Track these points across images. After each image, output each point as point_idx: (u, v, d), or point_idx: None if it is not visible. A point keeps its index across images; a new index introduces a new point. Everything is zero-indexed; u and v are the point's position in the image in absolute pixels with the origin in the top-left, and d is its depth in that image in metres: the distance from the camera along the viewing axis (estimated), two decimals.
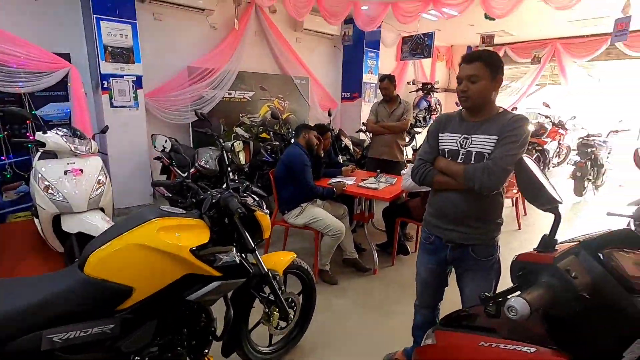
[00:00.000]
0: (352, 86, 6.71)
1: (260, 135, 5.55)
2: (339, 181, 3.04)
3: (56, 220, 2.62)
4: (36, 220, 2.79)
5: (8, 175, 3.85)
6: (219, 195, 1.48)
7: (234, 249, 1.50)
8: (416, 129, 6.28)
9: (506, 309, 0.64)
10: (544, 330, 0.77)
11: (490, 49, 6.66)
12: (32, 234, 3.15)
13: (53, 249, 2.76)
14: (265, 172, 4.05)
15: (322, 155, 3.23)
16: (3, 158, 3.81)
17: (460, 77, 1.45)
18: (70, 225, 2.56)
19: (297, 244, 3.51)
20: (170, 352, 1.37)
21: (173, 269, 1.30)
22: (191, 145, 4.67)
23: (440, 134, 1.55)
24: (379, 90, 4.24)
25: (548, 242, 0.81)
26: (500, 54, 7.57)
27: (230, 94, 5.15)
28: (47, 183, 2.54)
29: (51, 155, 2.75)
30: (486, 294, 0.73)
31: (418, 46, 6.51)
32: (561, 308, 0.69)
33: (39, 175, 2.58)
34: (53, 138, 2.60)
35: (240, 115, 5.40)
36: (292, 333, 2.06)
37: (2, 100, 3.58)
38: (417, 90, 7.77)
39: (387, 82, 3.60)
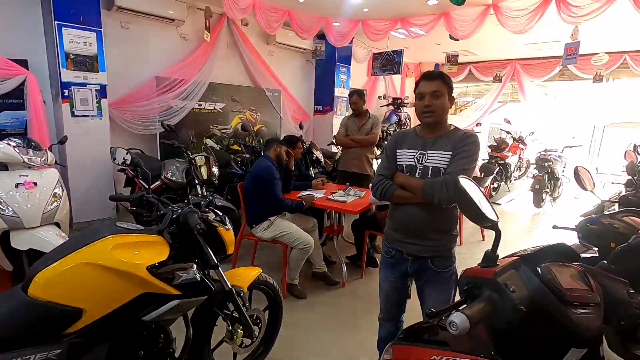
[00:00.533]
0: (324, 99, 6.81)
1: (231, 147, 5.48)
2: (309, 194, 3.05)
3: (5, 237, 2.45)
4: None
5: None
6: (179, 211, 1.44)
7: (195, 265, 1.46)
8: (386, 142, 6.43)
9: (448, 324, 0.67)
10: (491, 342, 0.80)
11: (455, 67, 7.01)
12: None
13: (1, 267, 2.58)
14: (235, 184, 3.99)
15: (292, 168, 3.24)
16: None
17: (423, 92, 1.50)
18: (20, 241, 2.40)
19: (266, 258, 3.46)
20: None
21: (128, 289, 1.25)
22: (158, 157, 4.55)
23: (398, 150, 1.61)
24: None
25: (490, 257, 0.85)
26: (465, 72, 7.98)
27: (200, 105, 5.09)
28: None
29: (2, 167, 2.59)
30: (432, 309, 0.76)
31: (388, 62, 6.72)
32: (501, 321, 0.73)
33: None
34: (3, 149, 2.45)
35: (211, 126, 5.33)
36: (257, 351, 2.01)
37: None
38: (387, 105, 7.99)
39: (357, 97, 3.68)
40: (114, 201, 1.59)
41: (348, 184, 3.32)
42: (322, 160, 4.82)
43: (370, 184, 3.51)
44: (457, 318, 0.65)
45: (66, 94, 3.70)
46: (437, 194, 1.44)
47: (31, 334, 1.10)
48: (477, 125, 8.16)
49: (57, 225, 2.61)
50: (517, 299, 0.71)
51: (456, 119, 9.14)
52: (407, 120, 8.10)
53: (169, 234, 1.45)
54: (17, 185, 2.43)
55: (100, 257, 1.20)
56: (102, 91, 3.93)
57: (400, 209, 1.60)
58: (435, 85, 1.48)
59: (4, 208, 2.38)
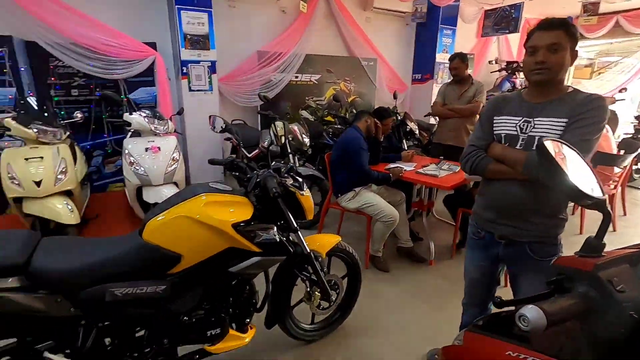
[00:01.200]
0: (423, 67, 6.31)
1: (325, 119, 5.58)
2: (397, 166, 2.92)
3: (139, 191, 2.99)
4: (126, 190, 3.23)
5: (109, 151, 4.48)
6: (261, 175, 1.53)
7: (275, 227, 1.55)
8: None
9: (517, 318, 0.55)
10: (587, 350, 0.65)
11: (595, 19, 5.68)
12: (124, 201, 3.65)
13: (137, 215, 3.18)
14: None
15: (381, 139, 3.11)
16: (105, 136, 4.44)
17: (536, 45, 1.22)
18: (149, 196, 2.90)
19: (352, 228, 3.50)
20: (214, 317, 1.49)
21: (217, 242, 1.39)
22: (259, 128, 4.91)
23: (495, 117, 1.38)
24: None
25: (592, 245, 0.66)
26: (610, 24, 6.42)
27: (297, 77, 5.24)
28: (132, 159, 2.90)
29: (137, 134, 3.14)
30: (501, 297, 0.64)
31: (503, 20, 5.82)
32: (600, 327, 0.57)
33: (126, 152, 2.96)
34: (137, 119, 2.94)
35: (306, 98, 5.48)
36: (334, 315, 2.09)
37: (104, 85, 4.14)
38: (499, 70, 7.01)
39: (458, 60, 3.30)
40: (211, 164, 1.76)
41: (442, 157, 3.07)
42: (417, 132, 4.53)
43: None
44: (531, 312, 0.53)
45: (184, 71, 4.22)
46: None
47: (144, 271, 1.33)
48: (621, 91, 6.58)
49: (176, 184, 3.07)
50: (626, 301, 0.55)
51: (592, 85, 7.53)
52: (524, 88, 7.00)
53: (254, 196, 1.55)
54: (146, 149, 2.92)
55: (194, 211, 1.36)
56: (212, 67, 4.36)
57: (494, 185, 1.40)
58: (555, 37, 1.19)
59: (138, 168, 2.89)
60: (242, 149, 3.89)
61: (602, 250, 0.68)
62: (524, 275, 1.39)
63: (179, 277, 1.37)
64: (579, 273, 0.61)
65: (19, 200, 2.55)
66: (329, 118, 5.49)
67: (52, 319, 1.22)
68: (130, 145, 2.97)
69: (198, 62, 4.25)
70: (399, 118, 4.46)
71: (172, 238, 1.34)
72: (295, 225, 1.62)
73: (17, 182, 2.48)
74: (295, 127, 3.44)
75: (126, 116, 2.97)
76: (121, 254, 1.31)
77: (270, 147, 3.52)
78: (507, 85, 6.86)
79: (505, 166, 1.32)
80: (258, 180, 1.53)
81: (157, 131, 3.04)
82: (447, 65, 3.41)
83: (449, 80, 3.56)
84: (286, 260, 1.74)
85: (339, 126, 4.48)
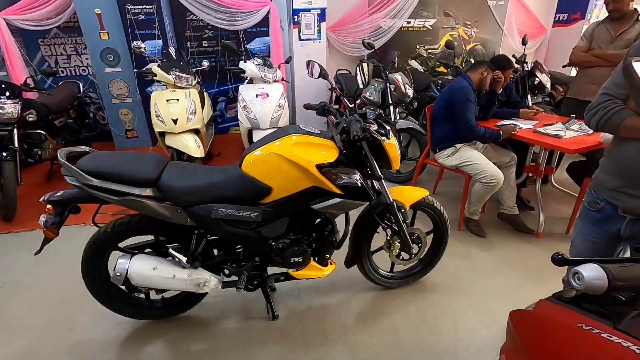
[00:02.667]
0: (572, 4, 5.11)
1: (436, 70, 5.14)
2: (511, 124, 2.57)
3: (250, 134, 3.35)
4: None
5: (231, 97, 5.05)
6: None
7: (357, 172, 1.58)
8: None
9: (571, 275, 0.47)
10: None
11: None
12: (241, 142, 4.14)
13: None
14: None
15: (499, 91, 2.72)
16: (228, 83, 4.99)
17: None
18: (258, 138, 3.22)
19: (449, 188, 3.31)
20: (298, 247, 1.66)
21: (302, 179, 1.51)
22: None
23: None
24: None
25: None
26: None
27: (409, 22, 4.86)
28: (244, 103, 3.22)
29: (252, 81, 3.44)
30: (562, 254, 0.53)
31: None
32: None
33: (241, 97, 3.29)
34: (249, 66, 3.21)
35: (417, 46, 5.08)
36: (415, 268, 2.09)
37: (227, 37, 4.58)
38: None
39: None
40: (305, 109, 1.84)
41: (573, 115, 2.56)
42: (548, 86, 3.81)
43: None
44: (589, 271, 0.45)
45: (296, 20, 4.33)
46: None
47: (242, 197, 1.54)
48: None
49: None
50: None
51: None
52: None
53: (341, 141, 1.60)
54: (256, 95, 3.20)
55: (284, 150, 1.48)
56: (322, 15, 4.36)
57: (628, 145, 1.13)
58: None
59: (249, 112, 3.21)
60: (345, 99, 3.93)
61: None
62: None
63: (270, 207, 1.55)
64: None
65: (162, 135, 3.15)
66: (441, 69, 5.03)
67: (176, 226, 1.54)
68: (244, 91, 3.29)
69: (309, 10, 4.29)
70: (527, 68, 3.79)
71: (264, 172, 1.51)
72: (379, 173, 1.63)
73: (161, 119, 3.03)
74: (397, 77, 3.27)
75: (241, 64, 3.27)
76: (224, 180, 1.53)
77: (368, 96, 3.51)
78: None
79: None
80: (344, 125, 1.55)
81: (267, 79, 3.28)
82: None
83: (602, 18, 2.82)
84: (369, 206, 1.78)
85: (450, 77, 4.07)
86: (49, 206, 1.45)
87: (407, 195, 1.84)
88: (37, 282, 2.19)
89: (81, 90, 4.11)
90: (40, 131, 3.17)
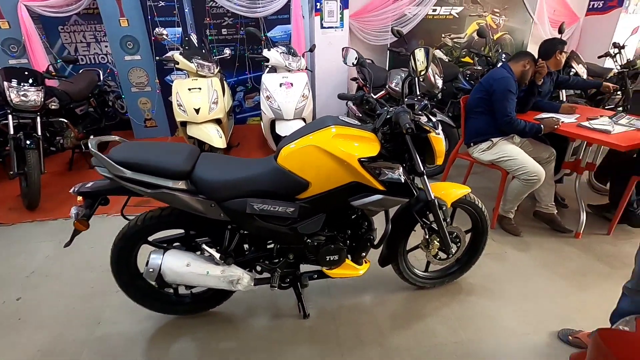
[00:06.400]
0: None
1: (461, 59, 4.95)
2: (552, 117, 2.42)
3: (272, 125, 3.26)
4: (261, 123, 3.56)
5: (249, 87, 4.97)
6: (393, 111, 1.44)
7: (402, 168, 1.48)
8: None
9: None
10: None
11: None
12: (260, 133, 4.07)
13: (269, 146, 3.51)
14: (459, 100, 3.67)
15: (540, 82, 2.55)
16: (247, 73, 4.90)
17: None
18: (281, 129, 3.14)
19: (478, 183, 3.18)
20: (334, 245, 1.58)
21: (342, 174, 1.41)
22: (387, 67, 4.67)
23: None
24: None
25: None
26: None
27: (434, 10, 4.68)
28: (268, 93, 3.13)
29: (273, 70, 3.34)
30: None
31: None
32: None
33: (264, 87, 3.20)
34: (274, 54, 3.11)
35: (443, 35, 4.89)
36: (451, 268, 1.99)
37: (247, 24, 4.47)
38: None
39: None
40: (340, 99, 1.74)
41: (620, 108, 2.39)
42: (585, 78, 3.61)
43: None
44: None
45: (318, 7, 4.19)
46: None
47: (277, 192, 1.45)
48: None
49: (304, 120, 3.23)
50: None
51: None
52: None
53: (382, 133, 1.49)
54: (280, 85, 3.10)
55: (323, 142, 1.39)
56: (344, 2, 4.21)
57: None
58: None
59: (273, 102, 3.12)
60: (368, 88, 3.80)
61: None
62: None
63: (307, 203, 1.46)
64: None
65: (184, 125, 3.08)
66: (466, 59, 4.85)
67: (208, 220, 1.47)
68: (267, 80, 3.20)
69: None
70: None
71: (301, 165, 1.42)
72: (422, 169, 1.52)
73: (183, 109, 2.97)
74: None
75: (265, 52, 3.17)
76: (260, 174, 1.45)
77: (394, 86, 3.37)
78: None
79: None
80: (388, 116, 1.45)
81: (291, 67, 3.17)
82: None
83: None
84: (408, 203, 1.68)
85: (478, 67, 3.89)
86: (79, 198, 1.39)
87: (448, 192, 1.73)
88: (62, 272, 2.16)
89: (101, 78, 4.08)
90: (62, 119, 3.14)
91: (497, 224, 2.56)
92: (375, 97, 1.69)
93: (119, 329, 1.76)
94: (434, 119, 1.49)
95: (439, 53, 4.88)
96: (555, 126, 2.29)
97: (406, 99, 1.55)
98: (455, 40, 4.92)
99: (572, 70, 3.70)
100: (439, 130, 1.48)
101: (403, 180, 1.47)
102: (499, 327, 1.76)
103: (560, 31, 3.60)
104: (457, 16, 4.82)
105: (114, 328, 1.76)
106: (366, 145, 1.43)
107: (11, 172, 2.72)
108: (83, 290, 2.00)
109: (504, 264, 2.21)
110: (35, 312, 1.87)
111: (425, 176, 1.56)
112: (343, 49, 1.67)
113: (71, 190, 1.40)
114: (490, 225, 2.54)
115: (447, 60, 4.77)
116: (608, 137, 2.13)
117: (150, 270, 1.45)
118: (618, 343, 0.74)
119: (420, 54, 1.57)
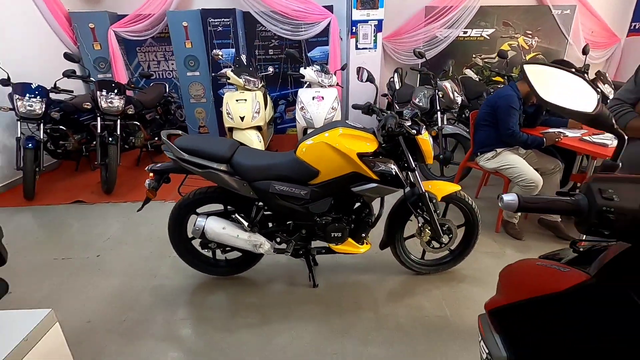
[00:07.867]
0: None
1: (492, 79, 5.13)
2: (556, 131, 2.62)
3: (305, 133, 3.72)
4: (297, 132, 4.05)
5: (290, 101, 5.52)
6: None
7: (393, 162, 1.83)
8: None
9: (498, 199, 0.69)
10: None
11: None
12: (296, 141, 4.56)
13: None
14: None
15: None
16: (289, 88, 5.46)
17: None
18: None
19: (491, 193, 3.38)
20: (338, 224, 1.95)
21: (345, 165, 1.80)
22: (417, 85, 4.99)
23: None
24: None
25: (607, 165, 0.69)
26: None
27: (465, 32, 4.95)
28: (302, 105, 3.61)
29: (309, 86, 3.83)
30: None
31: None
32: (583, 225, 0.64)
33: (299, 99, 3.69)
34: (309, 72, 3.60)
35: (473, 55, 5.13)
36: (445, 258, 2.26)
37: (291, 46, 5.05)
38: None
39: None
40: (353, 108, 2.14)
41: None
42: (611, 97, 3.68)
43: None
44: (507, 196, 0.66)
45: (354, 30, 4.66)
46: None
47: (295, 178, 1.87)
48: None
49: None
50: (606, 205, 0.60)
51: None
52: None
53: (381, 135, 1.87)
54: (313, 98, 3.57)
55: (331, 140, 1.79)
56: (379, 26, 4.64)
57: (635, 144, 1.26)
58: None
59: (306, 113, 3.59)
60: (396, 105, 4.16)
61: (617, 170, 0.71)
62: None
63: (317, 187, 1.86)
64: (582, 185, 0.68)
65: (230, 130, 3.65)
66: (497, 78, 5.02)
67: (240, 197, 1.92)
68: (302, 94, 3.69)
69: (366, 21, 4.60)
70: (587, 79, 3.70)
71: (314, 157, 1.83)
72: (413, 165, 1.86)
73: (230, 116, 3.53)
74: (446, 84, 3.43)
75: (301, 70, 3.67)
76: (282, 163, 1.89)
77: (417, 102, 3.69)
78: None
79: None
80: (383, 121, 1.82)
81: (323, 83, 3.64)
82: None
83: None
84: (404, 196, 2.02)
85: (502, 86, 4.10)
86: (151, 174, 1.91)
87: (439, 188, 2.04)
88: (130, 240, 2.74)
89: (167, 90, 4.84)
90: (136, 122, 3.85)
91: (501, 227, 2.76)
92: (378, 107, 2.06)
93: (170, 282, 2.25)
94: (421, 125, 1.83)
95: (469, 72, 5.11)
96: (557, 139, 2.50)
97: (398, 110, 1.91)
98: (486, 60, 5.12)
99: (599, 89, 3.78)
100: (423, 133, 1.82)
101: (394, 173, 1.82)
102: (481, 309, 1.99)
103: (585, 52, 3.73)
104: (488, 37, 5.04)
105: (166, 281, 2.26)
106: (365, 143, 1.81)
107: (95, 163, 3.43)
108: (145, 254, 2.55)
109: (500, 261, 2.42)
110: (110, 266, 2.43)
111: (416, 172, 1.90)
112: (358, 68, 2.01)
113: (146, 168, 1.92)
114: (496, 229, 2.77)
115: (477, 79, 4.98)
116: (605, 150, 2.30)
117: (197, 228, 1.92)
118: (503, 273, 1.05)
119: (396, 74, 1.93)
